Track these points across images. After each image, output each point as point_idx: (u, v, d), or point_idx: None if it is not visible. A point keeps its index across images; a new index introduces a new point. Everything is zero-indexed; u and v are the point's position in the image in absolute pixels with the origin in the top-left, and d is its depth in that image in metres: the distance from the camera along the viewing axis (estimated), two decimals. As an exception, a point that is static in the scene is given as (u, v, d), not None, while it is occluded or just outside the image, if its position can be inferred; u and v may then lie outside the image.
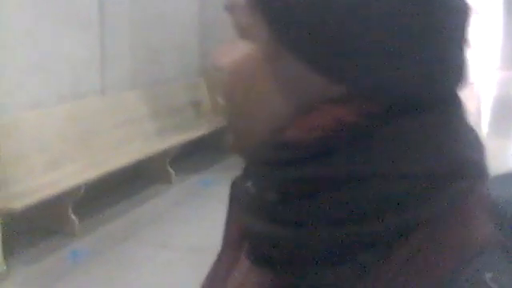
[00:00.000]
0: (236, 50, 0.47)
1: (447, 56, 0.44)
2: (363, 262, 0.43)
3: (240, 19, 0.47)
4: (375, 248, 0.42)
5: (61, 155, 4.20)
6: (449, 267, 0.41)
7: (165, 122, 5.46)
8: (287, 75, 0.45)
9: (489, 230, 0.44)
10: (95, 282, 3.47)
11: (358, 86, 0.43)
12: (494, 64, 15.26)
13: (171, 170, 5.22)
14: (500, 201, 0.47)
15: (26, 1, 4.08)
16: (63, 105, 4.43)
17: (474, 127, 0.48)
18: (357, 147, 0.43)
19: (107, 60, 4.94)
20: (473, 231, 0.43)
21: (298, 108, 0.45)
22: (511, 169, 0.57)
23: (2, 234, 3.49)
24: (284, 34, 0.44)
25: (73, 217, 4.03)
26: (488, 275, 0.41)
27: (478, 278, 0.41)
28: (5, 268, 3.46)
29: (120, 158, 4.55)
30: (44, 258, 3.71)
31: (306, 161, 0.44)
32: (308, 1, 0.42)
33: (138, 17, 5.32)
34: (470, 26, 0.46)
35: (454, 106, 0.46)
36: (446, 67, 0.44)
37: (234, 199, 0.54)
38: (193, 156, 5.64)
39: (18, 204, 3.55)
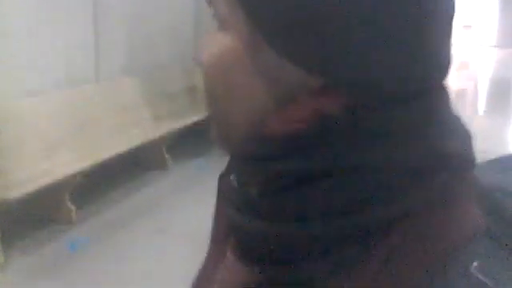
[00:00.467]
0: (215, 42, 0.46)
1: (429, 47, 0.43)
2: (349, 254, 0.42)
3: (219, 11, 0.46)
4: (361, 240, 0.42)
5: (56, 143, 4.19)
6: (435, 258, 0.41)
7: (160, 109, 5.45)
8: (266, 67, 0.44)
9: (476, 219, 0.44)
10: (93, 270, 3.49)
11: (337, 77, 0.42)
12: (491, 42, 15.23)
13: (167, 156, 5.22)
14: (490, 187, 0.47)
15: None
16: (58, 92, 4.41)
17: (460, 116, 0.48)
18: (338, 140, 0.42)
19: (102, 47, 4.91)
20: (459, 221, 0.43)
21: (278, 100, 0.44)
22: (502, 154, 0.57)
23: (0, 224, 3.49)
24: (262, 25, 0.43)
25: (70, 205, 4.04)
26: (475, 264, 0.41)
27: (465, 267, 0.41)
28: (3, 258, 3.46)
29: (116, 145, 4.54)
30: (42, 247, 3.72)
31: (287, 154, 0.44)
32: None
33: (132, 3, 5.28)
34: (453, 18, 0.45)
35: (437, 97, 0.45)
36: (428, 58, 0.43)
37: (220, 193, 0.54)
38: (189, 141, 5.63)
39: (15, 193, 3.55)
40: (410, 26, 0.42)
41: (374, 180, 0.42)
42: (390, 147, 0.42)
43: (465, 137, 0.47)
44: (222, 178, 0.53)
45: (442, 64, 0.45)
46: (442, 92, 0.46)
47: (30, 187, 3.65)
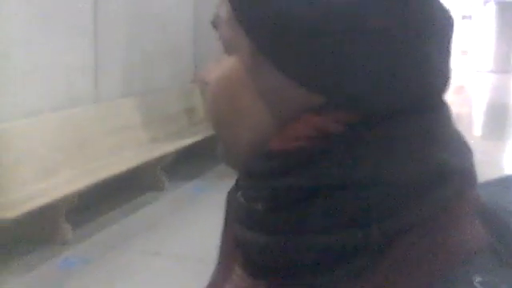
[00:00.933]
0: (220, 65, 0.48)
1: (429, 64, 0.44)
2: (352, 267, 0.43)
3: (224, 34, 0.48)
4: (363, 254, 0.43)
5: (54, 163, 4.18)
6: (437, 272, 0.42)
7: (158, 130, 5.45)
8: (268, 87, 0.45)
9: (478, 233, 0.44)
10: (88, 290, 3.45)
11: (338, 95, 0.43)
12: (487, 67, 15.37)
13: (164, 178, 5.21)
14: (492, 205, 0.47)
15: (20, 8, 4.07)
16: (56, 113, 4.42)
17: (461, 132, 0.48)
18: (340, 156, 0.43)
19: (101, 68, 4.94)
20: (461, 236, 0.44)
21: (281, 119, 0.46)
22: (503, 174, 0.57)
23: (-5, 244, 3.46)
24: (263, 46, 0.45)
25: (65, 225, 4.01)
26: (478, 279, 0.41)
27: (467, 281, 0.41)
28: (-3, 277, 3.42)
29: (113, 166, 4.54)
30: (36, 266, 3.69)
31: (290, 170, 0.45)
32: (286, 14, 0.43)
33: (131, 24, 5.32)
34: (452, 35, 0.46)
35: (438, 112, 0.46)
36: (428, 75, 0.44)
37: (228, 209, 0.55)
38: (186, 163, 5.63)
39: (11, 213, 3.53)
40: (410, 43, 0.43)
41: (376, 195, 0.43)
42: (391, 163, 0.43)
43: (466, 153, 0.47)
44: (230, 194, 0.54)
45: (441, 80, 0.46)
46: (442, 108, 0.47)
47: (27, 207, 3.63)
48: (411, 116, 0.44)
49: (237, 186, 0.52)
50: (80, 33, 4.69)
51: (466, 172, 0.46)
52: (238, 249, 0.51)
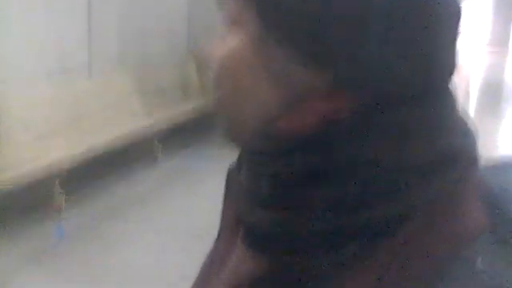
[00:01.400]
0: (226, 42, 0.48)
1: (437, 49, 0.44)
2: (356, 248, 0.44)
3: (230, 11, 0.47)
4: (368, 235, 0.43)
5: (48, 132, 4.19)
6: (442, 253, 0.43)
7: (152, 102, 5.44)
8: (276, 67, 0.45)
9: (481, 216, 0.45)
10: (80, 258, 3.50)
11: (346, 77, 0.43)
12: (484, 44, 15.30)
13: (158, 150, 5.22)
14: (494, 188, 0.48)
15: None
16: (50, 83, 4.38)
17: (465, 116, 0.49)
18: (346, 139, 0.44)
19: (95, 39, 4.90)
20: (465, 218, 0.44)
21: (288, 99, 0.45)
22: (505, 156, 0.58)
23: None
24: (272, 23, 0.44)
25: (59, 194, 4.03)
26: (480, 260, 0.42)
27: (471, 263, 0.42)
28: (-9, 244, 3.44)
29: (107, 137, 4.54)
30: (30, 233, 3.73)
31: (296, 151, 0.45)
32: None
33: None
34: (459, 25, 0.46)
35: (444, 97, 0.46)
36: (436, 60, 0.44)
37: (229, 185, 0.55)
38: (180, 135, 5.62)
39: (4, 181, 3.53)
40: (417, 28, 0.43)
41: (382, 178, 0.43)
42: (396, 147, 0.44)
43: (470, 137, 0.48)
44: (231, 170, 0.54)
45: (447, 65, 0.46)
46: (448, 92, 0.47)
47: (20, 175, 3.65)
48: (417, 101, 0.44)
49: (239, 163, 0.52)
50: (74, 6, 4.64)
51: (470, 156, 0.47)
52: (240, 224, 0.51)
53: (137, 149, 5.10)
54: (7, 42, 4.01)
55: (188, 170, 5.10)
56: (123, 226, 3.96)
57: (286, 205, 0.46)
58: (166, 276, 3.21)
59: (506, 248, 0.44)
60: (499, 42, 15.19)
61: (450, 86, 0.47)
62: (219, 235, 0.58)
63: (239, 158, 0.53)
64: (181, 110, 5.51)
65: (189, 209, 4.12)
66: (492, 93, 10.71)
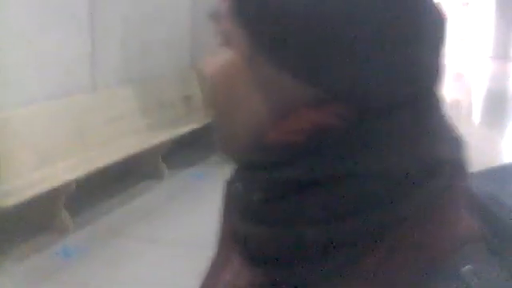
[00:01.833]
0: (219, 57, 0.50)
1: (421, 59, 0.45)
2: (346, 257, 0.44)
3: (222, 27, 0.49)
4: (356, 245, 0.44)
5: (52, 152, 4.18)
6: (427, 262, 0.43)
7: (156, 117, 5.44)
8: (266, 80, 0.47)
9: (469, 224, 0.46)
10: (87, 277, 3.49)
11: (333, 89, 0.44)
12: (487, 53, 15.32)
13: (163, 165, 5.22)
14: (483, 195, 0.49)
15: (16, -3, 4.04)
16: (54, 101, 4.40)
17: (452, 125, 0.49)
18: (334, 149, 0.45)
19: (97, 56, 4.92)
20: (452, 226, 0.45)
21: (278, 112, 0.47)
22: (494, 164, 0.59)
23: (-6, 231, 3.47)
24: (260, 40, 0.46)
25: (64, 213, 4.02)
26: (468, 268, 0.43)
27: (457, 271, 0.43)
28: (-4, 265, 3.44)
29: (111, 154, 4.54)
30: (36, 254, 3.71)
31: (287, 163, 0.46)
32: (282, 8, 0.44)
33: (128, 12, 5.29)
34: (444, 31, 0.47)
35: (430, 105, 0.47)
36: (420, 69, 0.45)
37: (226, 199, 0.56)
38: (184, 150, 5.63)
39: (9, 201, 3.54)
40: (400, 40, 0.44)
41: (369, 187, 0.44)
42: (383, 155, 0.45)
43: (457, 145, 0.48)
44: (228, 183, 0.54)
45: (432, 74, 0.47)
46: (434, 100, 0.48)
47: (25, 195, 3.64)
48: (404, 110, 0.45)
49: (234, 177, 0.53)
50: (77, 21, 4.66)
51: (457, 164, 0.47)
52: (237, 238, 0.52)
53: (141, 165, 5.10)
54: (9, 61, 4.02)
55: (192, 185, 5.09)
56: (129, 244, 3.94)
57: (277, 217, 0.46)
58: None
59: (495, 257, 0.45)
60: (502, 52, 15.20)
61: (436, 94, 0.48)
62: (217, 248, 0.58)
63: (234, 172, 0.53)
64: (184, 124, 5.51)
65: (194, 225, 4.11)
66: (495, 102, 10.69)
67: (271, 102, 0.47)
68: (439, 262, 0.43)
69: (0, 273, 3.44)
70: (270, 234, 0.47)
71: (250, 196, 0.49)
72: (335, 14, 0.43)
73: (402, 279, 0.43)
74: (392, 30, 0.44)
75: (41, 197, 3.75)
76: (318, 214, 0.45)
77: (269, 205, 0.47)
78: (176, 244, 3.93)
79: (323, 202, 0.45)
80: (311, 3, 0.43)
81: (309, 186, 0.45)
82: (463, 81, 11.99)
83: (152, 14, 5.64)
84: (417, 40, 0.45)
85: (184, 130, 5.42)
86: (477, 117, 9.65)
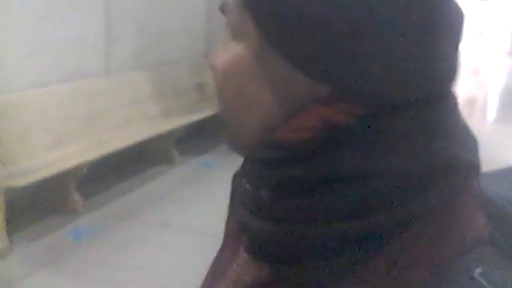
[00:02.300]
0: (228, 51, 0.49)
1: (437, 56, 0.44)
2: (355, 257, 0.44)
3: (232, 20, 0.48)
4: (367, 244, 0.43)
5: (65, 134, 4.21)
6: (439, 263, 0.42)
7: (169, 104, 5.46)
8: (275, 76, 0.46)
9: (480, 225, 0.45)
10: (97, 259, 3.51)
11: (344, 87, 0.43)
12: (504, 49, 15.13)
13: (175, 152, 5.23)
14: (495, 196, 0.48)
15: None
16: (67, 84, 4.43)
17: (467, 123, 0.48)
18: (345, 147, 0.44)
19: (112, 40, 4.93)
20: (463, 227, 0.44)
21: (287, 107, 0.46)
22: (510, 161, 0.57)
23: (6, 211, 3.52)
24: (270, 34, 0.45)
25: (76, 195, 4.06)
26: (478, 270, 0.42)
27: (468, 272, 0.42)
28: (8, 244, 3.49)
29: (124, 139, 4.56)
30: (47, 235, 3.75)
31: (296, 160, 0.45)
32: (294, 2, 0.43)
33: (143, -3, 5.27)
34: (461, 30, 0.46)
35: (444, 105, 0.46)
36: (436, 67, 0.44)
37: (234, 192, 0.55)
38: (197, 137, 5.64)
39: (22, 181, 3.58)
40: (415, 36, 0.43)
41: (380, 186, 0.43)
42: (395, 154, 0.44)
43: (471, 144, 0.47)
44: (236, 178, 0.54)
45: (447, 72, 0.46)
46: (448, 100, 0.47)
47: (37, 176, 3.67)
48: (418, 108, 0.44)
49: (242, 171, 0.52)
50: (91, 5, 4.67)
51: (471, 164, 0.47)
52: (243, 233, 0.51)
53: (153, 150, 5.12)
54: (24, 45, 4.04)
55: (204, 172, 5.10)
56: (140, 228, 3.97)
57: (286, 214, 0.46)
58: (181, 276, 3.21)
59: (506, 259, 0.44)
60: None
61: (451, 92, 0.47)
62: (224, 240, 0.58)
63: (242, 167, 0.53)
64: (197, 111, 5.52)
65: (204, 211, 4.13)
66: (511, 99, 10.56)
67: (281, 98, 0.46)
68: (451, 262, 0.42)
69: (11, 253, 3.48)
70: (277, 230, 0.46)
71: (257, 192, 0.48)
72: (348, 9, 0.42)
73: (413, 280, 0.42)
74: (407, 26, 0.42)
75: (53, 178, 3.79)
76: (326, 212, 0.44)
77: (277, 202, 0.46)
78: (186, 229, 3.95)
79: (332, 200, 0.44)
80: None
81: (318, 184, 0.44)
82: (480, 77, 11.85)
83: (168, 0, 5.63)
84: (433, 36, 0.43)
85: (197, 117, 5.42)
86: (492, 113, 9.55)
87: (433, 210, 0.44)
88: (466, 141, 0.47)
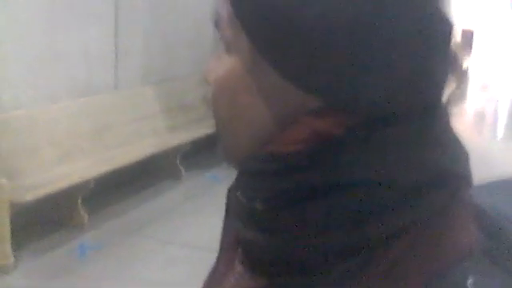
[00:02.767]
0: (221, 64, 0.49)
1: (427, 68, 0.44)
2: (348, 268, 0.44)
3: (225, 34, 0.49)
4: (359, 255, 0.44)
5: (72, 149, 4.23)
6: (431, 274, 0.43)
7: (176, 118, 5.47)
8: (267, 87, 0.46)
9: (472, 236, 0.45)
10: (102, 275, 3.51)
11: (336, 99, 0.44)
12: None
13: (181, 167, 5.23)
14: (487, 208, 0.49)
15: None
16: (76, 99, 4.46)
17: (458, 135, 0.49)
18: (338, 158, 0.44)
19: (121, 55, 4.96)
20: (455, 238, 0.45)
21: (280, 119, 0.46)
22: (499, 177, 0.58)
23: (12, 226, 3.51)
24: (262, 47, 0.45)
25: (82, 210, 4.05)
26: (470, 281, 0.42)
27: (460, 283, 0.42)
28: (13, 260, 3.48)
29: (131, 154, 4.57)
30: (52, 250, 3.75)
31: (289, 172, 0.45)
32: (285, 16, 0.44)
33: (152, 12, 5.33)
34: (451, 38, 0.46)
35: (435, 115, 0.46)
36: (426, 79, 0.45)
37: (229, 205, 0.56)
38: (203, 152, 5.64)
39: (29, 196, 3.59)
40: (405, 47, 0.43)
41: (372, 197, 0.44)
42: (386, 165, 0.44)
43: (462, 156, 0.48)
44: (231, 191, 0.54)
45: (438, 83, 0.46)
46: (439, 111, 0.47)
47: (44, 191, 3.69)
48: (409, 120, 0.44)
49: (237, 184, 0.52)
50: (100, 20, 4.71)
51: (462, 175, 0.47)
52: (239, 245, 0.52)
53: (160, 165, 5.13)
54: (34, 58, 4.08)
55: (209, 188, 5.09)
56: (144, 243, 3.96)
57: (280, 225, 0.46)
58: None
59: (499, 270, 0.44)
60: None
61: (442, 104, 0.47)
62: (219, 253, 0.58)
63: (237, 179, 0.53)
64: (204, 126, 5.53)
65: (209, 227, 4.10)
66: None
67: (273, 110, 0.46)
68: (443, 273, 0.43)
69: (17, 267, 3.48)
70: (271, 242, 0.46)
71: (252, 204, 0.48)
72: (339, 23, 0.42)
73: None
74: (398, 38, 0.43)
75: (59, 193, 3.79)
76: (320, 224, 0.44)
77: (271, 214, 0.46)
78: (190, 245, 3.94)
79: (325, 211, 0.44)
80: (313, 11, 0.43)
81: (312, 196, 0.44)
82: (488, 91, 11.82)
83: (175, 14, 5.68)
84: (423, 49, 0.44)
85: (203, 131, 5.43)
86: (501, 129, 9.49)
87: (425, 222, 0.44)
88: (457, 153, 0.48)
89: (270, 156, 0.46)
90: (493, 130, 9.00)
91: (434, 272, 0.43)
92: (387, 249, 0.43)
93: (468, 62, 11.63)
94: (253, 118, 0.47)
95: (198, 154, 5.62)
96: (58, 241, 3.86)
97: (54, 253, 3.72)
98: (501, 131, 9.24)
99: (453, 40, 0.47)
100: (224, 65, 0.49)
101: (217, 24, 0.50)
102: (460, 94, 10.04)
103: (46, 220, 4.02)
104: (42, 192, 3.66)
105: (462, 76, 10.62)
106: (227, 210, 0.56)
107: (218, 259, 0.58)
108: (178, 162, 5.22)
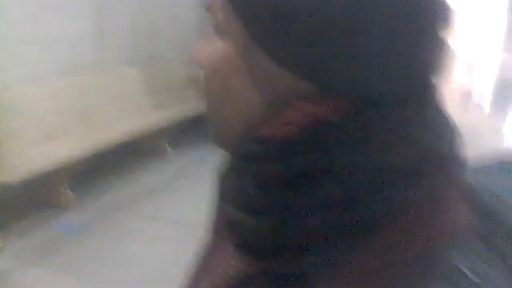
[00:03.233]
0: (212, 47, 0.49)
1: (420, 51, 0.44)
2: (339, 250, 0.44)
3: (216, 17, 0.48)
4: (352, 237, 0.44)
5: (57, 129, 4.20)
6: (422, 254, 0.43)
7: (162, 98, 5.44)
8: (260, 72, 0.46)
9: (464, 217, 0.46)
10: (88, 254, 3.51)
11: (327, 82, 0.44)
12: (498, 46, 15.17)
13: (168, 146, 5.22)
14: (482, 189, 0.49)
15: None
16: (60, 79, 4.40)
17: (451, 116, 0.49)
18: (330, 142, 0.44)
19: (105, 35, 4.90)
20: (447, 219, 0.45)
21: (272, 104, 0.46)
22: (494, 159, 0.58)
23: (-3, 206, 3.49)
24: (255, 32, 0.45)
25: (67, 190, 4.04)
26: (463, 262, 0.43)
27: (453, 264, 0.43)
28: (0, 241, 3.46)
29: (116, 133, 4.55)
30: (38, 230, 3.75)
31: (281, 155, 0.45)
32: (278, 1, 0.43)
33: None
34: (447, 19, 0.46)
35: (427, 97, 0.47)
36: (419, 62, 0.45)
37: (219, 187, 0.55)
38: (189, 132, 5.63)
39: (13, 177, 3.56)
40: (400, 30, 0.43)
41: (365, 180, 0.44)
42: (379, 149, 0.44)
43: (454, 137, 0.48)
44: (221, 173, 0.54)
45: (432, 65, 0.46)
46: (432, 92, 0.47)
47: (29, 172, 3.66)
48: (401, 103, 0.44)
49: (227, 167, 0.52)
50: (86, 4, 4.63)
51: (454, 157, 0.47)
52: (230, 228, 0.51)
53: (145, 144, 5.11)
54: (18, 38, 4.03)
55: (195, 167, 5.10)
56: (131, 221, 3.96)
57: (271, 208, 0.46)
58: (173, 269, 3.20)
59: (491, 252, 0.45)
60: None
61: (434, 86, 0.47)
62: (210, 235, 0.58)
63: (227, 162, 0.52)
64: (190, 106, 5.51)
65: (194, 205, 4.11)
66: (507, 93, 10.61)
67: (266, 94, 0.46)
68: (435, 254, 0.43)
69: (3, 248, 3.47)
70: (263, 225, 0.46)
71: (243, 187, 0.48)
72: (332, 6, 0.42)
73: (400, 269, 0.43)
74: (391, 22, 0.42)
75: (44, 173, 3.77)
76: (311, 207, 0.44)
77: (262, 197, 0.46)
78: (177, 222, 3.95)
79: (317, 194, 0.44)
80: None
81: (302, 179, 0.44)
82: (474, 72, 11.90)
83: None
84: (417, 33, 0.44)
85: (189, 111, 5.41)
86: (487, 108, 9.58)
87: (417, 203, 0.44)
88: (450, 135, 0.48)
89: (261, 139, 0.46)
90: (479, 109, 9.07)
91: (426, 252, 0.43)
92: (378, 231, 0.44)
93: (452, 42, 11.63)
94: (245, 101, 0.47)
95: (184, 133, 5.61)
96: (44, 221, 3.85)
97: (41, 233, 3.71)
98: (487, 109, 9.32)
99: (450, 23, 0.46)
100: (215, 48, 0.48)
101: (208, 7, 0.49)
102: (447, 75, 10.07)
103: (32, 201, 4.00)
104: (26, 172, 3.64)
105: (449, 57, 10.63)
106: (218, 193, 0.55)
107: (209, 241, 0.58)
108: (164, 141, 5.20)
